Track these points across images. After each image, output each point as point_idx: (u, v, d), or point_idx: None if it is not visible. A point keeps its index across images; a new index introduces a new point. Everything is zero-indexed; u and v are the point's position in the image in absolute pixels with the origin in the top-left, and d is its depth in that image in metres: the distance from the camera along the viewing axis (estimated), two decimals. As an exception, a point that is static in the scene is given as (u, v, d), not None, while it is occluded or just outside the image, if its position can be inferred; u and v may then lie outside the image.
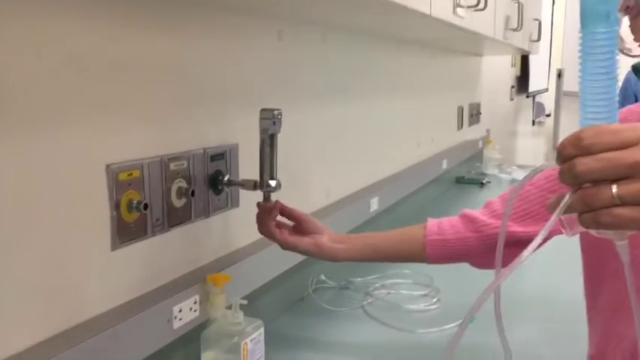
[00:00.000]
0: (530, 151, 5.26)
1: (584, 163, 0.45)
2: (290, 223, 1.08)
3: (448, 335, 1.23)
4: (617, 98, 0.50)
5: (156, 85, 0.94)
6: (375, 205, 1.78)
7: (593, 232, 0.49)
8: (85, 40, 0.81)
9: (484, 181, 2.81)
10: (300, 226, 1.07)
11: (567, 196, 0.48)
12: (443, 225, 1.02)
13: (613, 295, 0.83)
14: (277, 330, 1.23)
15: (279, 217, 1.06)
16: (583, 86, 0.50)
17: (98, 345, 0.80)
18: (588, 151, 0.45)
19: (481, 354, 1.12)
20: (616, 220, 0.45)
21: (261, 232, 1.06)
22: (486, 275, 1.45)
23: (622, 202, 0.44)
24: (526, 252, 0.51)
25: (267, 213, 1.04)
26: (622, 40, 0.97)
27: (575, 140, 0.46)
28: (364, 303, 1.39)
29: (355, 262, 1.08)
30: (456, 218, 1.02)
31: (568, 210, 0.48)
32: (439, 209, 2.37)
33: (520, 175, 2.94)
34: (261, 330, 1.03)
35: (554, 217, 0.49)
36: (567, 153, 0.46)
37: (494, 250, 0.98)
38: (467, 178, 2.91)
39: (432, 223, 1.03)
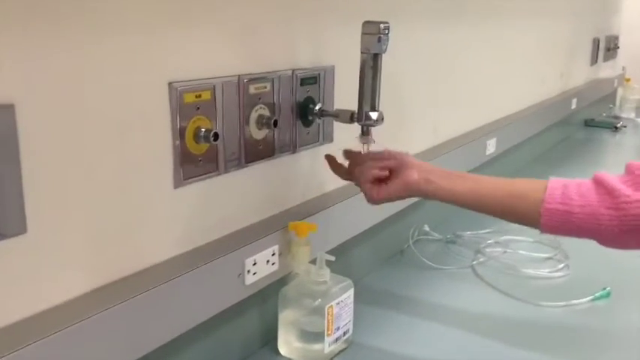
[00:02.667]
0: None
1: None
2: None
3: (577, 312, 1.01)
4: None
5: (234, -15, 0.76)
6: (492, 147, 1.55)
7: None
8: None
9: (618, 125, 2.45)
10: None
11: None
12: (569, 191, 0.75)
13: None
14: (371, 286, 1.07)
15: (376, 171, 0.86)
16: None
17: (155, 298, 0.67)
18: None
19: None
20: None
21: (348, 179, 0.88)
22: None
23: None
24: None
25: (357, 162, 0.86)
26: None
27: None
28: (474, 262, 1.19)
29: (454, 205, 0.85)
30: (588, 183, 0.75)
31: None
32: (564, 155, 2.08)
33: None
34: (350, 292, 0.86)
35: None
36: None
37: (634, 232, 0.73)
38: (598, 120, 2.56)
39: (554, 185, 0.76)
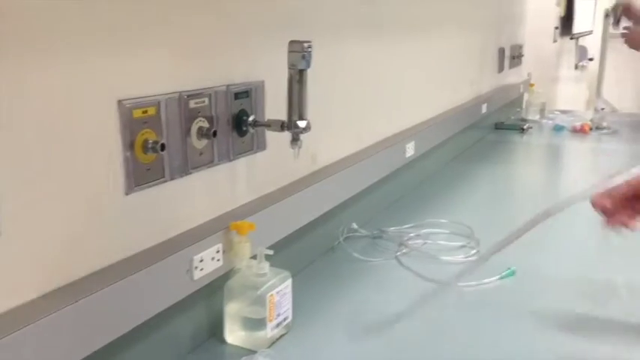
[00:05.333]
0: (571, 97, 5.04)
1: None
2: None
3: (489, 289, 1.15)
4: None
5: (172, 11, 0.84)
6: (410, 150, 1.68)
7: None
8: (90, -42, 0.71)
9: (525, 127, 2.66)
10: None
11: None
12: None
13: None
14: (306, 280, 1.17)
15: None
16: None
17: (111, 296, 0.74)
18: None
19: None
20: None
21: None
22: (530, 232, 1.34)
23: None
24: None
25: None
26: None
27: None
28: (398, 253, 1.31)
29: None
30: None
31: None
32: (478, 155, 2.26)
33: (563, 120, 2.78)
34: (289, 282, 0.96)
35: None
36: None
37: None
38: (507, 123, 2.76)
39: None
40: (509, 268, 1.19)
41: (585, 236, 1.40)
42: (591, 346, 0.96)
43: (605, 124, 2.64)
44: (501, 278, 1.18)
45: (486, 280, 1.17)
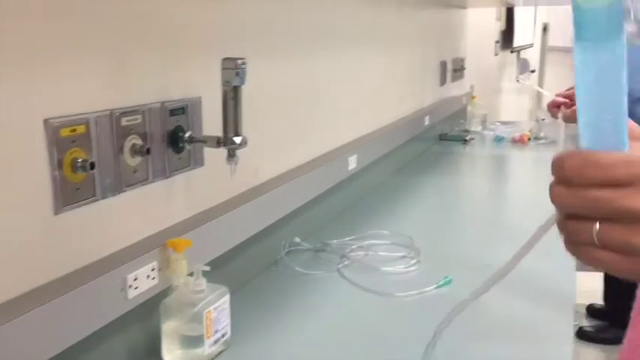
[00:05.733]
0: (514, 108, 5.20)
1: (560, 195, 0.39)
2: None
3: (428, 298, 1.17)
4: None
5: (104, 25, 0.84)
6: (353, 163, 1.71)
7: None
8: (12, -24, 0.70)
9: (467, 138, 2.74)
10: None
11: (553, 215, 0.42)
12: None
13: None
14: (248, 296, 1.17)
15: None
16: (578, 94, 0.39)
17: (40, 318, 0.72)
18: (568, 183, 0.39)
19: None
20: (593, 261, 0.39)
21: None
22: (471, 240, 1.39)
23: (601, 244, 0.38)
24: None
25: None
26: None
27: (558, 167, 0.39)
28: (340, 265, 1.33)
29: None
30: None
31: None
32: (421, 167, 2.31)
33: (503, 131, 2.87)
34: (226, 297, 0.96)
35: (537, 233, 0.44)
36: (553, 173, 0.40)
37: None
38: (450, 135, 2.83)
39: None
40: (446, 277, 1.22)
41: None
42: (517, 349, 0.99)
43: (542, 134, 2.74)
44: (439, 287, 1.20)
45: (425, 289, 1.20)
